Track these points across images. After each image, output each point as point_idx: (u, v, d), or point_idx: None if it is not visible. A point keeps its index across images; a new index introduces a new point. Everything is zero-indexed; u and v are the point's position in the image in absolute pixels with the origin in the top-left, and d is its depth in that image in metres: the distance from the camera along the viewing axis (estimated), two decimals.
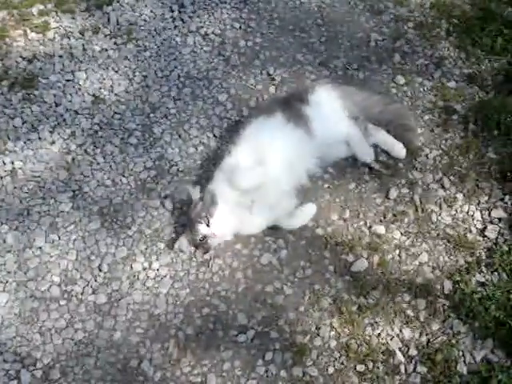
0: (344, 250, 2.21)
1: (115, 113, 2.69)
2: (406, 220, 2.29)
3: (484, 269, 2.13)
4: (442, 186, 2.37)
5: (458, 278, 2.10)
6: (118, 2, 3.13)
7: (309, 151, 2.33)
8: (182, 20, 3.05)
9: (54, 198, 2.40)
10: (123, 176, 2.47)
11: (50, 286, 2.19)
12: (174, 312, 2.11)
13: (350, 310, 2.06)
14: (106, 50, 2.94)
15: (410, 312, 2.06)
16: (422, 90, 2.71)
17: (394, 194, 2.35)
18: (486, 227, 2.25)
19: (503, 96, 2.62)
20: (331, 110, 2.40)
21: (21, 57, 2.90)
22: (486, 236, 2.22)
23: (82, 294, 2.16)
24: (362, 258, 2.19)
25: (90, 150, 2.55)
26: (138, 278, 2.19)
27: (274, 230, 2.27)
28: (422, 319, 2.04)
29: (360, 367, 1.94)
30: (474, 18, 2.94)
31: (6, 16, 3.08)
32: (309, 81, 2.75)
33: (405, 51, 2.87)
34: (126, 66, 2.87)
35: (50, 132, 2.62)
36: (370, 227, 2.27)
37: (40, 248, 2.27)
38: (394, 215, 2.30)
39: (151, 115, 2.67)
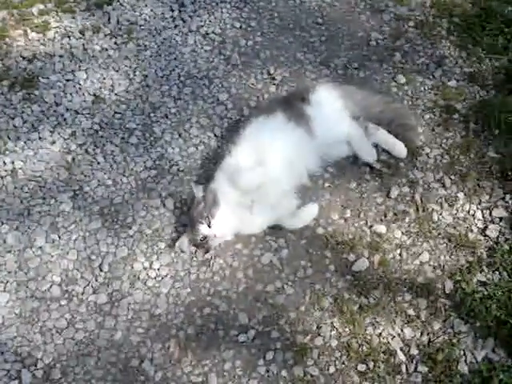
0: (345, 250, 2.21)
1: (115, 112, 2.69)
2: (407, 219, 2.29)
3: (485, 268, 2.13)
4: (443, 186, 2.37)
5: (459, 278, 2.10)
6: (118, 1, 3.13)
7: (309, 151, 2.33)
8: (183, 19, 3.05)
9: (54, 198, 2.40)
10: (124, 176, 2.47)
11: (51, 285, 2.19)
12: (175, 312, 2.11)
13: (350, 309, 2.06)
14: (107, 49, 2.93)
15: (411, 311, 2.06)
16: (422, 89, 2.70)
17: (394, 193, 2.35)
18: (487, 226, 2.24)
19: (504, 95, 2.62)
20: (332, 109, 2.40)
21: (21, 56, 2.90)
22: (487, 235, 2.22)
23: (82, 293, 2.16)
24: (362, 257, 2.18)
25: (91, 150, 2.55)
26: (138, 278, 2.19)
27: (274, 229, 2.27)
28: (423, 318, 2.04)
29: (361, 367, 1.94)
30: (474, 17, 2.94)
31: (6, 16, 3.07)
32: (309, 80, 2.75)
33: (405, 50, 2.86)
34: (126, 66, 2.86)
35: (51, 132, 2.62)
36: (371, 226, 2.27)
37: (40, 248, 2.27)
38: (395, 214, 2.30)
39: (151, 115, 2.67)
